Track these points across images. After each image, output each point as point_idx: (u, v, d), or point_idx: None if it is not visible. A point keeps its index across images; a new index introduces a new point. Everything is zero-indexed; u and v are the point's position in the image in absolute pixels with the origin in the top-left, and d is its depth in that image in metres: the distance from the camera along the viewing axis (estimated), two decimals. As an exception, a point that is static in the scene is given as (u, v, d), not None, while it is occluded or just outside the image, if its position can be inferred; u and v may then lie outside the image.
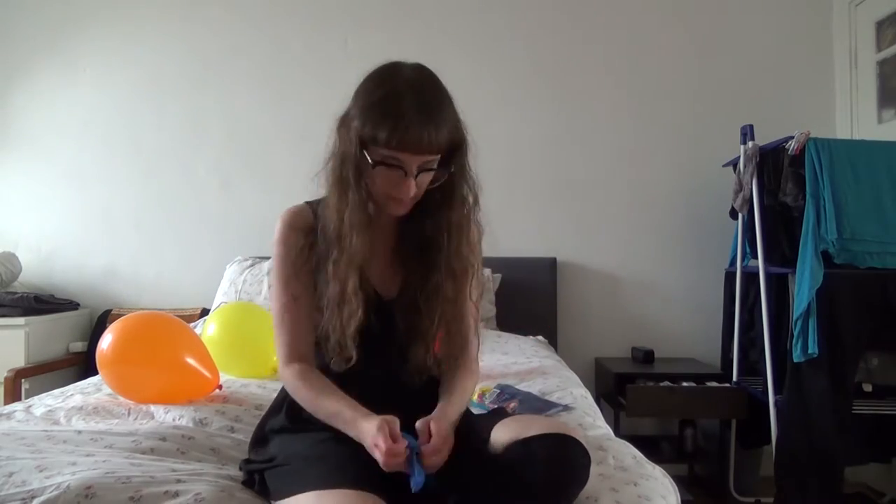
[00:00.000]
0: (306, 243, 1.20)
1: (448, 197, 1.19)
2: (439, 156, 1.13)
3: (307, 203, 1.26)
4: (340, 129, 1.15)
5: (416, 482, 0.98)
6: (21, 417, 1.52)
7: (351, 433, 1.07)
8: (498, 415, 1.20)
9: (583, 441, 1.04)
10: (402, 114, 1.06)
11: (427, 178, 1.14)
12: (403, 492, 1.03)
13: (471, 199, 1.22)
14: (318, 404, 1.14)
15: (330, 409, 1.12)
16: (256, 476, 1.14)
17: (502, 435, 1.03)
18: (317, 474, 0.99)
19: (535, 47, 3.10)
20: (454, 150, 1.16)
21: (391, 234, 1.27)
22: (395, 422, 1.02)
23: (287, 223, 1.22)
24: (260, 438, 1.24)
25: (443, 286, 1.20)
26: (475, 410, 1.41)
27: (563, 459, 0.99)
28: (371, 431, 1.01)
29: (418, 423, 1.04)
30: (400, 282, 1.25)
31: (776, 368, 2.34)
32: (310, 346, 1.21)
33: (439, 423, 1.04)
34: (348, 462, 1.03)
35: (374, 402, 1.10)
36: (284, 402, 1.25)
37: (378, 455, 0.99)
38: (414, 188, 1.11)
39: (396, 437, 1.00)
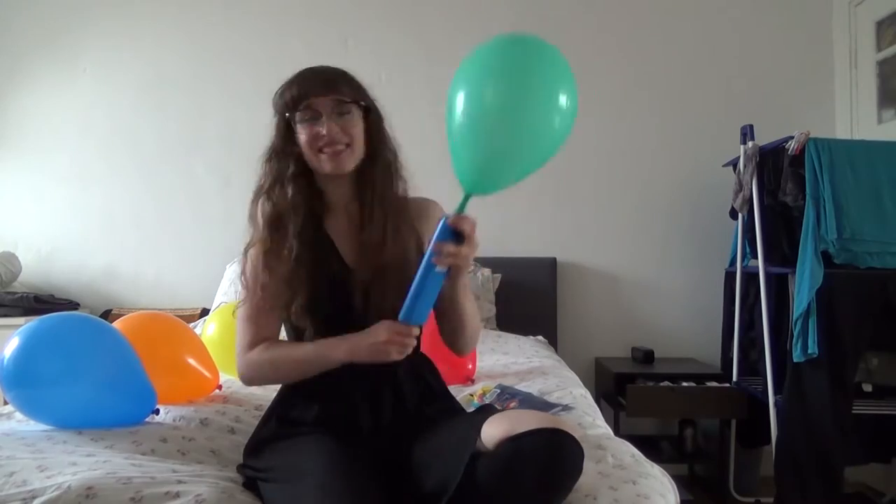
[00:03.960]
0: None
1: (372, 160, 1.28)
2: (349, 100, 1.23)
3: None
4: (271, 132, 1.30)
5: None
6: (21, 417, 1.52)
7: (355, 347, 1.16)
8: (486, 411, 1.21)
9: (580, 439, 1.04)
10: (304, 75, 1.28)
11: (348, 121, 1.23)
12: (399, 497, 1.04)
13: (390, 157, 1.31)
14: (296, 351, 1.23)
15: (313, 345, 1.21)
16: (254, 482, 1.15)
17: (494, 431, 1.03)
18: (312, 492, 1.00)
19: (535, 47, 3.09)
20: (365, 107, 1.27)
21: (351, 213, 1.31)
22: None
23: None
24: (254, 448, 1.24)
25: (386, 247, 1.24)
26: (470, 410, 1.41)
27: (555, 453, 0.99)
28: (383, 324, 1.15)
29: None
30: (360, 255, 1.28)
31: (776, 368, 2.34)
32: (274, 336, 1.29)
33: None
34: (343, 476, 1.03)
35: (364, 378, 1.19)
36: (275, 412, 1.27)
37: (392, 342, 1.13)
38: (335, 128, 1.21)
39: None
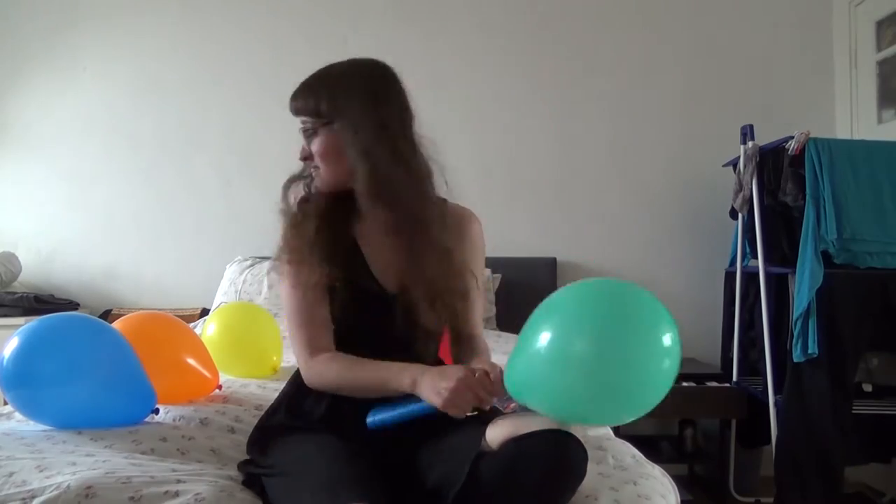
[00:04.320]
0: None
1: (370, 174, 1.20)
2: (309, 121, 1.22)
3: None
4: None
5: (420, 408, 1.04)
6: (21, 417, 1.52)
7: (405, 381, 1.10)
8: (491, 413, 1.20)
9: (581, 439, 1.04)
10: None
11: (313, 142, 1.23)
12: (403, 500, 1.04)
13: (365, 166, 1.19)
14: (366, 370, 1.17)
15: (385, 369, 1.15)
16: (256, 479, 1.14)
17: (499, 432, 1.03)
18: (316, 487, 0.99)
19: (535, 47, 3.10)
20: (336, 119, 1.20)
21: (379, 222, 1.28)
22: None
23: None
24: (259, 440, 1.24)
25: (412, 261, 1.23)
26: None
27: (560, 455, 0.99)
28: (458, 373, 1.04)
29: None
30: (399, 275, 1.26)
31: (776, 368, 2.34)
32: (330, 340, 1.24)
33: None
34: (347, 472, 1.03)
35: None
36: (284, 402, 1.26)
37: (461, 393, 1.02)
38: (304, 149, 1.24)
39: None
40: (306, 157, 1.24)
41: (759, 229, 2.43)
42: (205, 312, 2.91)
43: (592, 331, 0.92)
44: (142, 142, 3.17)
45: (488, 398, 1.04)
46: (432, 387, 1.05)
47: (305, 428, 1.19)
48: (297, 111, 1.24)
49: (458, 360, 1.29)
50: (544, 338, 0.95)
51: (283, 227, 1.27)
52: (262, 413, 1.33)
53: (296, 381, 1.29)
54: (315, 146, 1.22)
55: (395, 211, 1.22)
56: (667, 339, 0.93)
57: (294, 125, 1.26)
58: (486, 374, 1.05)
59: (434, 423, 1.19)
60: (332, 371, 1.19)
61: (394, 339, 1.22)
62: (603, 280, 1.07)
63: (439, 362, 1.33)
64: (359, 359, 1.19)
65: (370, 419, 1.12)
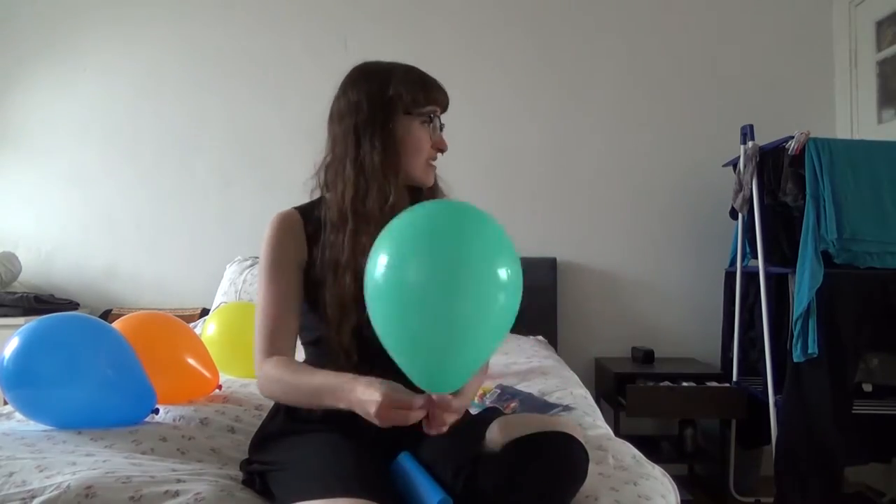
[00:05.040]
0: (295, 245, 1.22)
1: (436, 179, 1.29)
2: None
3: (295, 208, 1.27)
4: (358, 117, 1.19)
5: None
6: (21, 417, 1.52)
7: (341, 402, 1.04)
8: (492, 413, 1.20)
9: (581, 439, 1.04)
10: (427, 78, 1.24)
11: (442, 135, 1.26)
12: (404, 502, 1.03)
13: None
14: (302, 380, 1.12)
15: (314, 382, 1.10)
16: (257, 477, 1.14)
17: (500, 433, 1.03)
18: (320, 481, 0.99)
19: (536, 47, 3.10)
20: None
21: None
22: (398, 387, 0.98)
23: (276, 226, 1.24)
24: (260, 442, 1.24)
25: None
26: (474, 411, 1.41)
27: (561, 457, 0.99)
28: (375, 396, 0.96)
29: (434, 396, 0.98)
30: None
31: (776, 368, 2.34)
32: (290, 346, 1.22)
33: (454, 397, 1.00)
34: (352, 469, 1.02)
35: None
36: (282, 407, 1.25)
37: (383, 419, 0.96)
38: (444, 141, 1.25)
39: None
40: (444, 149, 1.26)
41: (759, 229, 2.43)
42: (205, 312, 2.91)
43: (423, 258, 0.89)
44: (142, 142, 3.17)
45: (409, 419, 0.97)
46: (362, 412, 1.00)
47: (306, 430, 1.18)
48: (446, 106, 1.26)
49: None
50: (381, 263, 0.92)
51: (279, 231, 1.23)
52: (263, 415, 1.33)
53: None
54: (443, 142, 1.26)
55: None
56: (503, 273, 0.92)
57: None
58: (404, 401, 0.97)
59: None
60: (278, 375, 1.15)
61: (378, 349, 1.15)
62: (442, 203, 1.13)
63: None
64: (303, 368, 1.16)
65: (402, 458, 1.08)
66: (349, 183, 1.18)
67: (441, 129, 1.26)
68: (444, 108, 1.26)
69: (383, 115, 1.18)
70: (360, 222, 1.16)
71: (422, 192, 1.27)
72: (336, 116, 1.23)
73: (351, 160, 1.18)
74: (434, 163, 1.26)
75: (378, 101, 1.19)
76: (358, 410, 1.01)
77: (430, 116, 1.22)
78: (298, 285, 1.22)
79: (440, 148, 1.25)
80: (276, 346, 1.19)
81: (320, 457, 1.07)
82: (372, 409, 0.96)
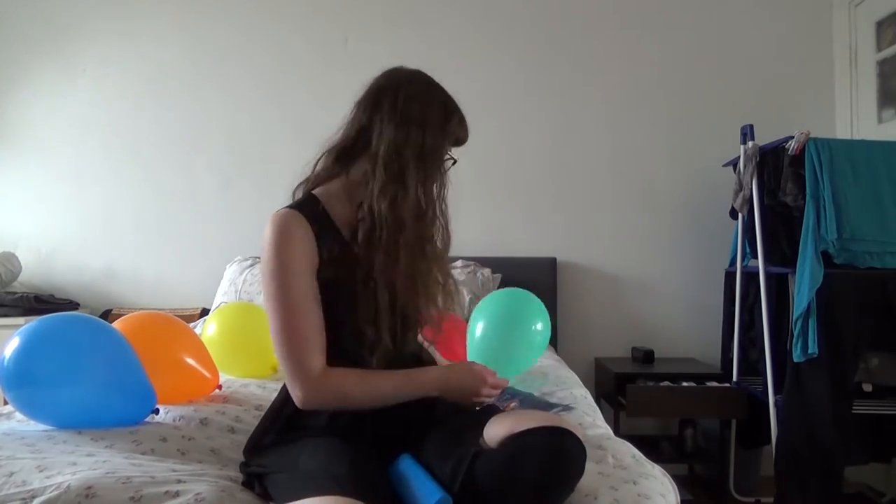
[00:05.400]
0: (304, 248, 1.16)
1: None
2: None
3: (293, 208, 1.21)
4: (409, 126, 1.21)
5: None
6: (21, 417, 1.52)
7: (427, 389, 1.22)
8: (490, 410, 1.20)
9: (581, 438, 1.04)
10: (464, 120, 1.31)
11: None
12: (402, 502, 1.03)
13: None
14: (379, 384, 1.20)
15: (398, 379, 1.21)
16: (256, 479, 1.14)
17: (498, 430, 1.03)
18: (316, 481, 0.99)
19: (535, 48, 3.10)
20: None
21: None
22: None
23: (282, 229, 1.16)
24: (258, 447, 1.23)
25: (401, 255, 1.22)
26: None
27: (558, 452, 0.99)
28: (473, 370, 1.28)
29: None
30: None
31: (776, 368, 2.34)
32: (324, 351, 1.17)
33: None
34: (348, 471, 1.02)
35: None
36: (280, 414, 1.23)
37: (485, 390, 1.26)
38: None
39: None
40: None
41: (759, 229, 2.43)
42: (205, 312, 2.91)
43: (492, 319, 1.78)
44: (142, 142, 3.17)
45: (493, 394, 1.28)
46: (460, 395, 1.26)
47: (306, 436, 1.18)
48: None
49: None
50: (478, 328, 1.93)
51: (285, 234, 1.17)
52: (261, 417, 1.31)
53: (287, 396, 1.22)
54: None
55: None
56: (538, 325, 1.96)
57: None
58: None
59: (432, 422, 1.19)
60: (354, 382, 1.17)
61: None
62: (506, 290, 2.03)
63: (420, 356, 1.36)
64: (369, 371, 1.19)
65: (401, 460, 1.10)
66: (405, 191, 1.19)
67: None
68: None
69: (435, 147, 1.24)
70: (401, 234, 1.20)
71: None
72: (388, 113, 1.21)
73: (395, 169, 1.19)
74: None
75: (439, 131, 1.24)
76: (454, 394, 1.25)
77: (453, 159, 1.29)
78: (315, 290, 1.17)
79: None
80: (315, 357, 1.15)
81: (318, 459, 1.07)
82: (482, 388, 1.26)
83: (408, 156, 1.19)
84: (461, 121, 1.30)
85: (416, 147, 1.20)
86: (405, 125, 1.20)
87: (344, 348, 1.19)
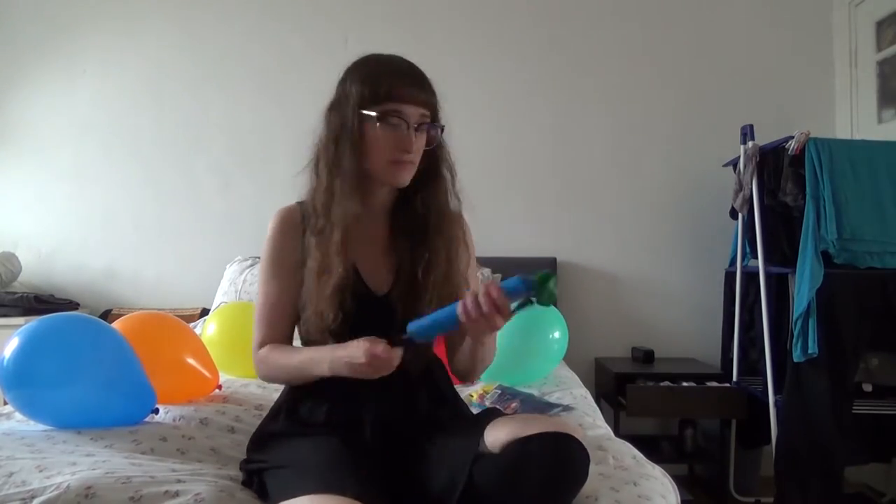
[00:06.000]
0: (294, 241, 1.25)
1: (433, 175, 1.26)
2: (436, 119, 1.22)
3: (298, 203, 1.30)
4: (331, 113, 1.23)
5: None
6: (21, 417, 1.52)
7: (336, 364, 1.11)
8: (492, 413, 1.20)
9: (582, 440, 1.04)
10: (399, 71, 1.19)
11: (422, 139, 1.20)
12: (403, 500, 1.04)
13: (449, 176, 1.28)
14: (290, 358, 1.21)
15: (303, 355, 1.19)
16: (255, 477, 1.14)
17: (500, 434, 1.03)
18: (316, 479, 0.99)
19: (535, 47, 3.10)
20: (437, 119, 1.23)
21: (383, 225, 1.30)
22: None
23: (277, 221, 1.27)
24: (258, 441, 1.24)
25: (435, 262, 1.23)
26: (474, 412, 1.41)
27: (562, 458, 0.98)
28: (361, 345, 1.07)
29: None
30: (393, 274, 1.26)
31: (776, 368, 2.34)
32: (286, 336, 1.28)
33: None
34: (349, 469, 1.03)
35: (375, 389, 1.13)
36: (283, 407, 1.25)
37: (372, 365, 1.06)
38: (416, 141, 1.18)
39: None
40: (408, 150, 1.17)
41: (759, 229, 2.43)
42: (205, 312, 2.91)
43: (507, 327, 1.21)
44: (142, 142, 3.17)
45: (389, 367, 1.07)
46: (347, 366, 1.09)
47: (306, 432, 1.18)
48: (424, 103, 1.18)
49: (454, 361, 1.32)
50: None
51: (279, 228, 1.27)
52: (263, 415, 1.33)
53: (291, 386, 1.28)
54: (419, 142, 1.19)
55: (430, 214, 1.25)
56: (556, 334, 2.10)
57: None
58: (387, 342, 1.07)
59: (433, 425, 1.19)
60: (272, 358, 1.23)
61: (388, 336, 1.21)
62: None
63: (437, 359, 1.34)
64: (294, 348, 1.25)
65: (410, 328, 1.09)
66: (321, 184, 1.21)
67: (417, 129, 1.18)
68: (422, 105, 1.18)
69: (343, 112, 1.19)
70: (327, 224, 1.19)
71: (416, 192, 1.25)
72: (331, 105, 1.24)
73: (325, 161, 1.21)
74: (405, 162, 1.18)
75: (343, 96, 1.21)
76: (345, 369, 1.09)
77: (383, 114, 1.15)
78: (298, 281, 1.23)
79: (404, 148, 1.16)
80: (272, 335, 1.26)
81: (317, 457, 1.07)
82: (360, 359, 1.05)
83: (320, 145, 1.23)
84: (377, 69, 1.18)
85: (330, 134, 1.21)
86: (326, 115, 1.24)
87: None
